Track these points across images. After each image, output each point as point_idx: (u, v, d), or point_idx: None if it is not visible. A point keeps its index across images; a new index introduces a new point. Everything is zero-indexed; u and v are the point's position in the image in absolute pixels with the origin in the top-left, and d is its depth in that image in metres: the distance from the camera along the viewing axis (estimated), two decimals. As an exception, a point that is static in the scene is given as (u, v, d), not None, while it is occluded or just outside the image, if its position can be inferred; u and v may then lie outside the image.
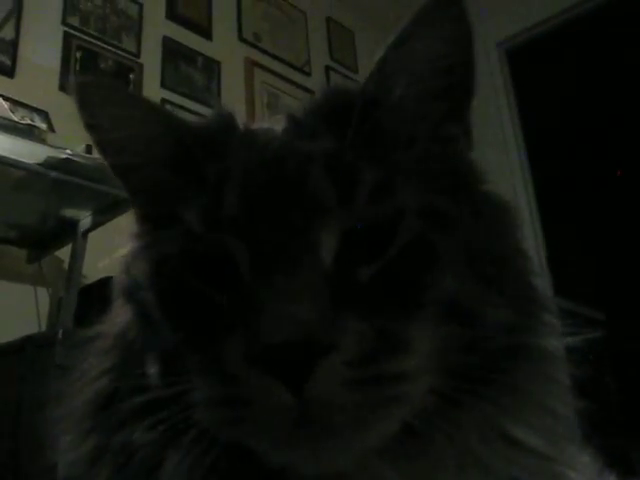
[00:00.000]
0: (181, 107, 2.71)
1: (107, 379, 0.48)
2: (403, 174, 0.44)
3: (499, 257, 0.47)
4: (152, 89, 2.66)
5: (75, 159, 1.57)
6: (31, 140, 1.68)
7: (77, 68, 2.44)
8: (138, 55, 2.69)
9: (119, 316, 0.51)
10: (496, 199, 0.51)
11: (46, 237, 2.01)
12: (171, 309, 0.45)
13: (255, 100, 3.05)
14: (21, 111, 2.06)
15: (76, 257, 1.86)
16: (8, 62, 2.27)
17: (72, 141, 1.71)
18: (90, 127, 0.51)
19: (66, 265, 1.97)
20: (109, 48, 2.59)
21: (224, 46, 3.04)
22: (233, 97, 2.97)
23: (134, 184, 0.53)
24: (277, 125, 0.51)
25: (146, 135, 0.51)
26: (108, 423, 0.46)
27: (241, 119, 0.52)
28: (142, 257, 0.48)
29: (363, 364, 0.38)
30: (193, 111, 2.74)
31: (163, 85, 2.73)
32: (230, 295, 0.43)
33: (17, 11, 2.35)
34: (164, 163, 0.50)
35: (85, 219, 1.87)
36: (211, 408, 0.40)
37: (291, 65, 3.31)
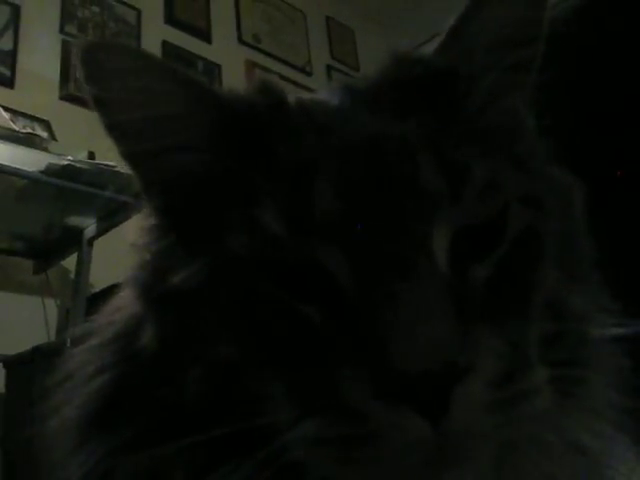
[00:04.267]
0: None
1: (108, 376, 0.41)
2: (501, 160, 0.39)
3: (573, 242, 0.43)
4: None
5: (77, 165, 1.56)
6: (32, 148, 1.67)
7: (77, 76, 2.42)
8: (138, 61, 2.67)
9: (121, 311, 0.43)
10: (559, 178, 0.46)
11: (51, 247, 1.99)
12: (238, 322, 0.37)
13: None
14: (22, 121, 2.05)
15: (82, 266, 1.84)
16: (7, 73, 2.27)
17: (74, 148, 1.70)
18: (100, 102, 0.40)
19: (73, 274, 1.95)
20: (108, 55, 2.58)
21: (224, 49, 3.03)
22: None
23: (155, 173, 0.42)
24: (327, 97, 0.44)
25: (176, 112, 0.41)
26: (115, 436, 0.39)
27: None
28: (181, 257, 0.40)
29: (501, 383, 0.33)
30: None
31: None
32: (327, 310, 0.35)
33: (14, 21, 2.35)
34: (204, 146, 0.41)
35: (90, 227, 1.86)
36: (324, 447, 0.33)
37: (292, 65, 3.30)
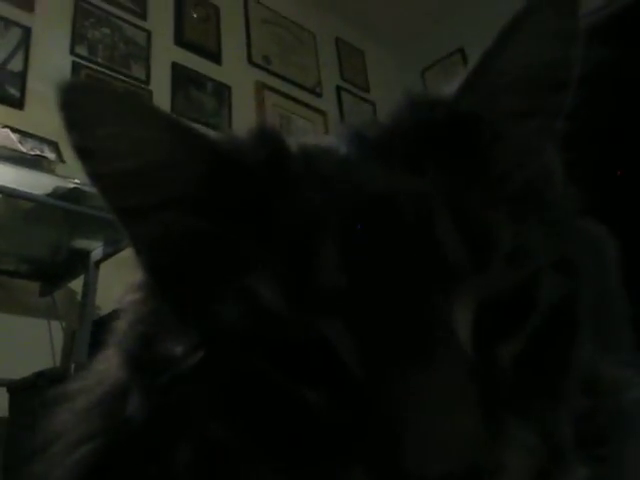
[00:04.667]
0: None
1: (91, 447, 0.37)
2: (530, 221, 0.35)
3: (607, 302, 0.40)
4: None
5: (84, 188, 1.54)
6: (40, 171, 1.66)
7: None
8: (148, 82, 2.68)
9: (108, 371, 0.40)
10: (588, 233, 0.43)
11: (58, 269, 1.98)
12: (231, 403, 0.33)
13: (267, 123, 3.03)
14: (30, 142, 2.04)
15: (89, 289, 1.83)
16: (17, 94, 2.27)
17: (82, 171, 1.68)
18: (81, 152, 0.36)
19: (79, 297, 1.94)
20: (118, 76, 2.59)
21: (234, 70, 3.03)
22: (244, 121, 2.95)
23: (142, 230, 0.37)
24: (336, 144, 0.39)
25: (163, 162, 0.36)
26: None
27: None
28: (169, 324, 0.36)
29: None
30: (204, 136, 2.73)
31: (173, 111, 2.71)
32: (332, 397, 0.31)
33: (25, 42, 2.35)
34: (193, 203, 0.36)
35: (97, 249, 1.84)
36: None
37: (302, 87, 3.29)
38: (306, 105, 3.24)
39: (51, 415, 0.40)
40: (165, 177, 0.36)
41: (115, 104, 0.35)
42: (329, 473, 0.30)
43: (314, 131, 3.22)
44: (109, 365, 0.40)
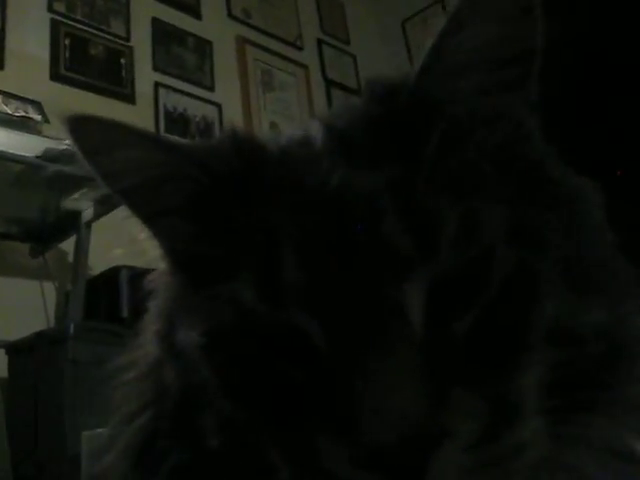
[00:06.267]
0: (174, 89, 2.68)
1: (147, 417, 0.42)
2: (483, 196, 0.36)
3: (586, 254, 0.40)
4: (144, 72, 2.62)
5: (74, 149, 1.54)
6: (27, 132, 1.65)
7: (67, 55, 2.39)
8: (128, 39, 2.64)
9: (147, 343, 0.45)
10: (569, 180, 0.43)
11: (49, 230, 1.98)
12: (233, 383, 0.38)
13: (249, 78, 3.01)
14: (14, 103, 2.01)
15: (81, 249, 1.84)
16: (-4, 54, 2.23)
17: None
18: (100, 175, 0.42)
19: (71, 258, 1.95)
20: (98, 33, 2.54)
21: (214, 25, 2.99)
22: (226, 76, 2.93)
23: (159, 232, 0.44)
24: (313, 136, 0.41)
25: (160, 179, 0.42)
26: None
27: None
28: (185, 317, 0.41)
29: (481, 445, 0.32)
30: (187, 93, 2.71)
31: (155, 68, 2.69)
32: (309, 374, 0.36)
33: (2, 1, 2.30)
34: (188, 214, 0.42)
35: (87, 210, 1.84)
36: None
37: (283, 40, 3.26)
38: (287, 59, 3.22)
39: (112, 388, 0.46)
40: (163, 189, 0.41)
41: (116, 132, 0.41)
42: (307, 439, 0.34)
43: (296, 85, 3.21)
44: (147, 339, 0.45)
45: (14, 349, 1.69)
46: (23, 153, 1.59)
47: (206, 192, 0.40)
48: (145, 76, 2.62)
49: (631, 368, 0.40)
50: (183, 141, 0.45)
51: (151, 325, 0.44)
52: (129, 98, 2.50)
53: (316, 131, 0.42)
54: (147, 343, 0.44)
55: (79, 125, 0.41)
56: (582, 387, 0.37)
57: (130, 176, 0.42)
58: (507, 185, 0.38)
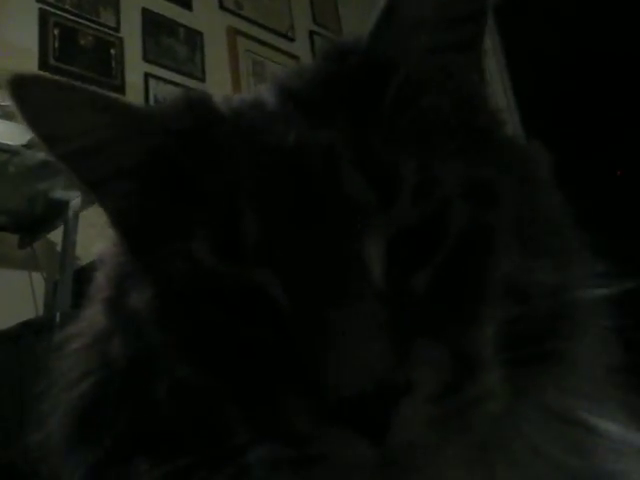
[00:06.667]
0: (165, 80, 2.67)
1: (88, 384, 0.41)
2: (437, 152, 0.37)
3: (538, 214, 0.41)
4: (134, 63, 2.61)
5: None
6: (14, 122, 1.64)
7: (56, 46, 2.38)
8: (118, 29, 2.63)
9: (96, 316, 0.43)
10: (521, 146, 0.45)
11: (37, 220, 1.98)
12: (190, 345, 0.37)
13: (240, 69, 3.00)
14: (2, 93, 2.01)
15: (68, 239, 1.83)
16: (-15, 44, 2.22)
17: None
18: (42, 138, 0.40)
19: (59, 247, 1.94)
20: (87, 24, 2.53)
21: (205, 16, 2.98)
22: (217, 67, 2.92)
23: (106, 199, 0.42)
24: (265, 98, 0.42)
25: (109, 140, 0.40)
26: (96, 448, 0.40)
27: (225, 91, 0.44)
28: (136, 281, 0.40)
29: (444, 396, 0.33)
30: (178, 84, 2.70)
31: (145, 59, 2.68)
32: (270, 333, 0.35)
33: (-10, -10, 2.29)
34: (139, 174, 0.40)
35: (75, 199, 1.83)
36: (279, 469, 0.34)
37: (274, 31, 3.25)
38: (279, 50, 3.21)
39: (54, 359, 0.44)
40: (114, 151, 0.40)
41: (63, 94, 0.40)
42: (271, 398, 0.34)
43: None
44: (94, 311, 0.44)
45: (0, 338, 1.69)
46: (9, 142, 1.58)
47: (159, 151, 0.40)
48: (135, 67, 2.61)
49: (575, 331, 0.40)
50: (137, 104, 0.43)
51: (98, 294, 0.43)
52: (119, 89, 2.50)
53: (267, 93, 0.42)
54: (94, 314, 0.44)
55: (22, 86, 0.39)
56: (529, 346, 0.37)
57: (78, 139, 0.40)
58: (460, 144, 0.39)
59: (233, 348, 0.36)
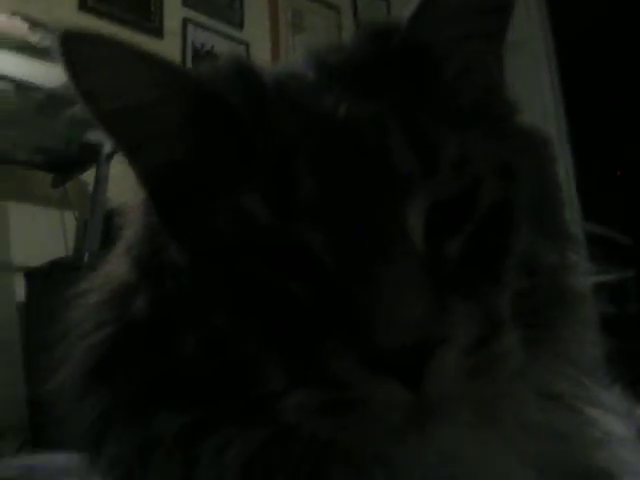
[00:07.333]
0: (204, 26, 2.65)
1: (105, 332, 0.43)
2: (472, 133, 0.41)
3: (546, 197, 0.45)
4: (174, 7, 2.59)
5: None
6: (52, 62, 1.65)
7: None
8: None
9: (116, 271, 0.45)
10: (534, 132, 0.47)
11: (70, 161, 2.00)
12: (230, 298, 0.39)
13: (279, 17, 2.97)
14: (41, 32, 2.02)
15: (100, 181, 1.86)
16: (26, -20, 2.22)
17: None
18: (84, 96, 0.40)
19: (91, 188, 1.97)
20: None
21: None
22: (256, 15, 2.89)
23: (143, 159, 0.43)
24: (304, 71, 0.44)
25: (156, 99, 0.41)
26: (112, 393, 0.42)
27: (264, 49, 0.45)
28: (170, 238, 0.41)
29: (474, 351, 0.36)
30: (217, 30, 2.69)
31: (185, 3, 2.66)
32: (312, 289, 0.38)
33: None
34: (185, 132, 0.42)
35: (108, 142, 1.85)
36: (315, 413, 0.37)
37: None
38: (319, 1, 3.16)
39: (68, 309, 0.46)
40: (161, 111, 0.42)
41: (109, 50, 0.40)
42: (312, 347, 0.37)
43: (327, 27, 3.16)
44: (117, 267, 0.45)
45: (32, 275, 1.74)
46: (46, 83, 1.60)
47: (206, 114, 0.41)
48: (175, 11, 2.59)
49: (568, 317, 0.44)
50: (185, 67, 0.45)
51: (126, 252, 0.45)
52: (157, 32, 2.49)
53: (305, 66, 0.45)
54: (115, 270, 0.45)
55: (70, 41, 0.40)
56: (531, 320, 0.40)
57: (119, 98, 0.41)
58: (486, 127, 0.42)
59: (274, 301, 0.38)
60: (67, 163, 2.02)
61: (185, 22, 2.61)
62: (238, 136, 0.40)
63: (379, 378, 0.35)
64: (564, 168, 2.75)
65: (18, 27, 1.69)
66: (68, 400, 0.44)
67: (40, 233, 1.97)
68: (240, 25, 2.82)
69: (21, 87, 1.61)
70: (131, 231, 0.46)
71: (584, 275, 0.46)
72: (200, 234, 0.40)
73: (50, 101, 1.68)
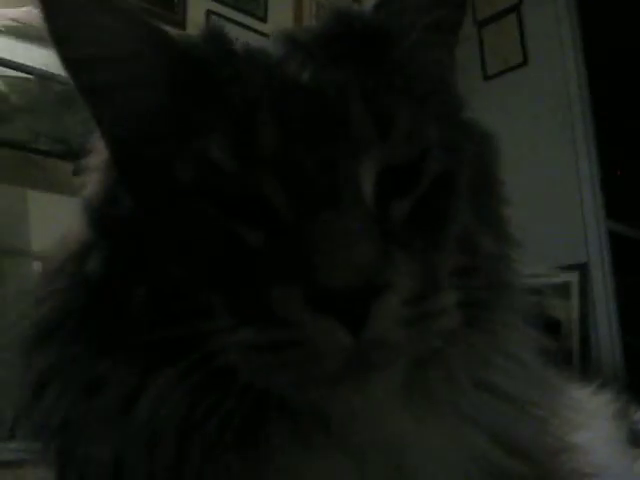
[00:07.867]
0: (227, 19, 2.66)
1: (55, 300, 0.45)
2: (423, 111, 0.44)
3: (488, 187, 0.48)
4: (198, 0, 2.61)
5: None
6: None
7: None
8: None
9: (72, 239, 0.47)
10: (477, 126, 0.50)
11: (91, 150, 2.02)
12: (183, 243, 0.41)
13: (303, 11, 2.97)
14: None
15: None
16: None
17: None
18: (59, 39, 0.42)
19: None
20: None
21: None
22: (280, 9, 2.89)
23: (108, 107, 0.45)
24: (272, 46, 0.48)
25: (131, 50, 0.44)
26: (55, 353, 0.44)
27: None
28: (128, 188, 0.43)
29: (415, 302, 0.38)
30: (240, 23, 2.69)
31: (209, -5, 2.67)
32: (266, 234, 0.40)
33: None
34: (157, 84, 0.44)
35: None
36: (257, 351, 0.38)
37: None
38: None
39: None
40: (134, 63, 0.44)
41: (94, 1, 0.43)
42: (259, 289, 0.38)
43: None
44: (72, 231, 0.47)
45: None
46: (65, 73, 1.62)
47: (180, 68, 0.44)
48: (198, 3, 2.61)
49: (503, 299, 0.47)
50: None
51: (82, 211, 0.47)
52: (180, 24, 2.51)
53: (273, 43, 0.48)
54: (68, 236, 0.48)
55: None
56: (474, 303, 0.43)
57: (93, 46, 0.43)
58: (438, 109, 0.46)
59: (226, 247, 0.40)
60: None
61: (208, 14, 2.63)
62: (207, 90, 0.43)
63: (322, 318, 0.36)
64: (584, 144, 2.70)
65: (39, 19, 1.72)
66: (11, 361, 0.46)
67: (60, 221, 2.00)
68: (264, 17, 2.83)
69: (42, 77, 1.63)
70: (87, 191, 0.48)
71: (518, 273, 0.49)
72: (158, 184, 0.42)
73: (70, 92, 1.71)
